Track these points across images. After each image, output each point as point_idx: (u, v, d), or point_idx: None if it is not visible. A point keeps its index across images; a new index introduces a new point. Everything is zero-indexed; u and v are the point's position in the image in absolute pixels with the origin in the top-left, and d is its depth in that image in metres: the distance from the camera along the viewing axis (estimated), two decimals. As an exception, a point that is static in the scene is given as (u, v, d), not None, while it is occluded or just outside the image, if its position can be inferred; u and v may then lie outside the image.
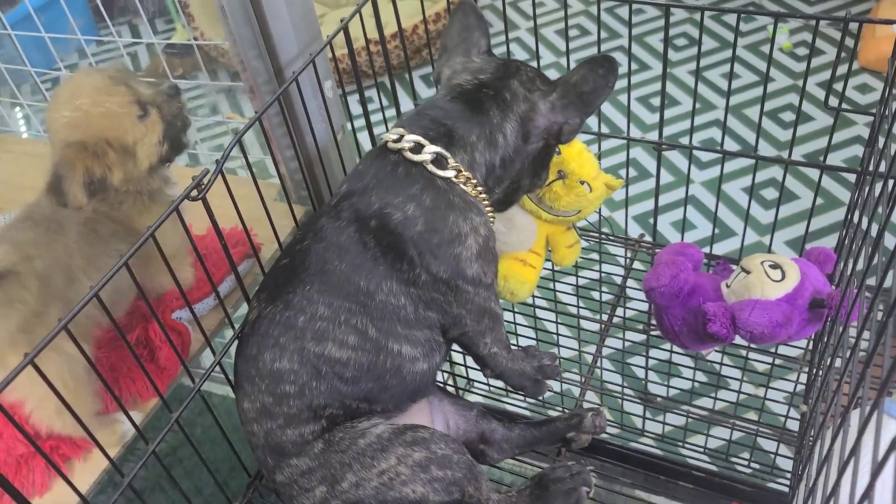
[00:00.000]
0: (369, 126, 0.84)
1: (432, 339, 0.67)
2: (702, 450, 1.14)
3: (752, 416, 1.25)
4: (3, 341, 0.62)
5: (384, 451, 0.61)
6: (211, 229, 0.78)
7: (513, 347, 0.74)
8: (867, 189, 0.67)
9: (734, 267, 0.81)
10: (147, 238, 0.57)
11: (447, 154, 0.63)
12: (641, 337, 1.32)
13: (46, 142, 1.19)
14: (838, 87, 1.61)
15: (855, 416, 0.67)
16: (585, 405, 0.81)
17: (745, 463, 1.09)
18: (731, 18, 2.31)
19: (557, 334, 1.09)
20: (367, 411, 0.65)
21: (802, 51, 2.18)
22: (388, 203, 0.62)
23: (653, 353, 1.35)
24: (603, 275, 1.04)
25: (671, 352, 0.98)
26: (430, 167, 0.63)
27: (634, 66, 2.22)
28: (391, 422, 0.65)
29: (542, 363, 0.76)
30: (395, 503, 0.61)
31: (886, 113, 0.65)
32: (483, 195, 0.66)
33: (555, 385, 1.11)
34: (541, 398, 1.05)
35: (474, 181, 0.65)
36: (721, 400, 1.22)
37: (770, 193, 1.81)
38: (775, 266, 0.75)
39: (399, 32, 0.76)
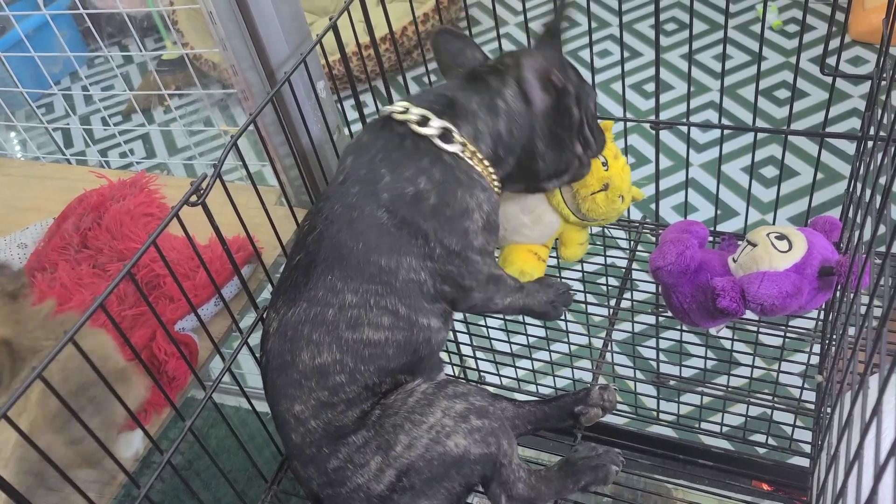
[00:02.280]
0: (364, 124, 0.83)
1: (447, 309, 0.68)
2: (718, 430, 1.13)
3: (768, 393, 1.24)
4: None
5: (430, 405, 0.61)
6: (210, 241, 0.79)
7: (526, 284, 0.74)
8: (869, 154, 0.66)
9: (740, 242, 0.80)
10: (149, 245, 0.56)
11: (453, 128, 0.64)
12: (650, 321, 1.31)
13: (43, 163, 1.19)
14: (831, 62, 1.61)
15: (873, 382, 0.66)
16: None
17: (763, 441, 1.08)
18: (719, 0, 2.31)
19: (566, 320, 1.08)
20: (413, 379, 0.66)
21: (792, 27, 2.17)
22: (399, 176, 0.62)
23: (662, 336, 1.35)
24: (609, 260, 1.03)
25: (681, 330, 0.98)
26: (438, 141, 0.63)
27: (626, 54, 2.22)
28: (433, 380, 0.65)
29: (557, 294, 0.76)
30: (440, 460, 0.60)
31: (885, 76, 0.64)
32: (490, 169, 0.67)
33: (566, 373, 1.11)
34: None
35: (480, 155, 0.66)
36: (735, 376, 1.22)
37: (770, 171, 1.80)
38: (781, 237, 0.74)
39: (390, 34, 0.75)
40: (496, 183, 0.68)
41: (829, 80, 0.71)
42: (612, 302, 0.89)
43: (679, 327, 0.92)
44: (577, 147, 0.72)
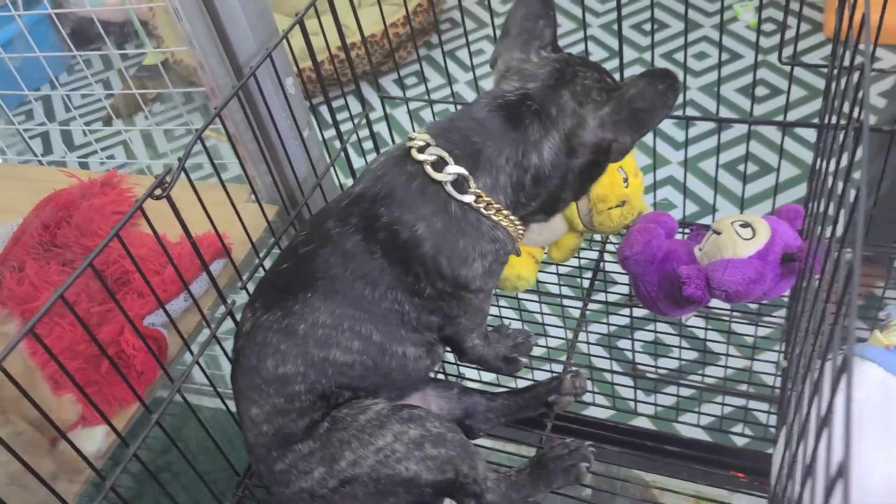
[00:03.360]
0: (338, 130, 0.84)
1: (432, 339, 0.67)
2: (695, 424, 1.14)
3: (744, 387, 1.25)
4: None
5: (382, 427, 0.61)
6: (181, 237, 0.79)
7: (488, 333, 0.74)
8: (827, 142, 0.67)
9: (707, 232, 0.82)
10: (111, 238, 0.56)
11: (469, 176, 0.60)
12: (627, 320, 1.32)
13: (15, 164, 1.19)
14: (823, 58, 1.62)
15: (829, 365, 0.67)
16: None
17: (740, 431, 1.09)
18: (698, 1, 2.34)
19: (541, 313, 1.09)
20: (375, 396, 0.65)
21: (769, 26, 2.20)
22: (398, 218, 0.60)
23: (640, 334, 1.36)
24: (583, 261, 1.04)
25: (654, 320, 0.99)
26: (449, 188, 0.60)
27: (605, 54, 2.24)
28: (391, 401, 0.65)
29: (515, 342, 0.76)
30: (387, 480, 0.61)
31: (836, 64, 0.65)
32: (509, 217, 0.63)
33: (551, 366, 1.11)
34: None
35: (497, 205, 0.61)
36: (715, 365, 1.23)
37: (748, 167, 1.82)
38: (745, 225, 0.75)
39: (362, 38, 0.76)
40: (517, 225, 0.64)
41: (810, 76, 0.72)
42: (585, 294, 0.90)
43: (653, 319, 0.93)
44: (590, 185, 0.68)
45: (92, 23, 2.73)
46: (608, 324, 1.10)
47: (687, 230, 0.91)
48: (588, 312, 1.17)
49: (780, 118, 1.87)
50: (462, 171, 0.59)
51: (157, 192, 0.60)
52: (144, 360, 0.69)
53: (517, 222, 0.63)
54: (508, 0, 2.56)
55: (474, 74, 0.88)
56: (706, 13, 2.31)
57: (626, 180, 0.80)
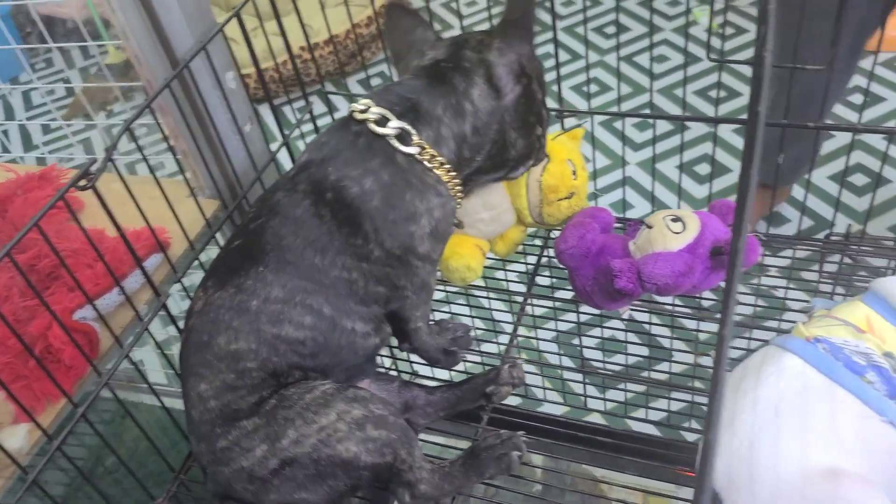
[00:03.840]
0: (281, 130, 0.84)
1: (378, 315, 0.67)
2: (644, 419, 1.15)
3: (699, 384, 1.27)
4: None
5: (326, 405, 0.61)
6: (117, 233, 0.78)
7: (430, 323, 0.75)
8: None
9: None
10: (30, 228, 0.56)
11: (412, 129, 0.63)
12: (580, 317, 1.33)
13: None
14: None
15: (757, 357, 0.69)
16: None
17: (688, 428, 1.10)
18: (658, 4, 2.37)
19: (490, 309, 1.10)
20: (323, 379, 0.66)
21: (728, 30, 2.24)
22: (345, 175, 0.62)
23: (593, 331, 1.38)
24: (531, 256, 1.05)
25: (602, 316, 1.00)
26: (394, 142, 0.63)
27: (567, 57, 2.26)
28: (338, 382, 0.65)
29: (455, 335, 0.77)
30: (328, 461, 0.61)
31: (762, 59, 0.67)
32: (452, 173, 0.66)
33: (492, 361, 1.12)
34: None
35: (440, 158, 0.64)
36: (668, 360, 1.24)
37: (703, 168, 1.85)
38: (676, 219, 0.77)
39: (307, 42, 0.76)
40: (458, 188, 0.67)
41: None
42: (525, 288, 0.91)
43: (603, 316, 0.94)
44: (538, 128, 0.71)
45: (53, 23, 2.70)
46: (556, 320, 1.11)
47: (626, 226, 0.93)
48: (543, 310, 1.19)
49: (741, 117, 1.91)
50: (404, 125, 0.63)
51: (83, 182, 0.60)
52: (73, 354, 0.69)
53: (458, 184, 0.66)
54: (473, 3, 2.58)
55: None
56: (667, 17, 2.34)
57: (574, 172, 0.81)
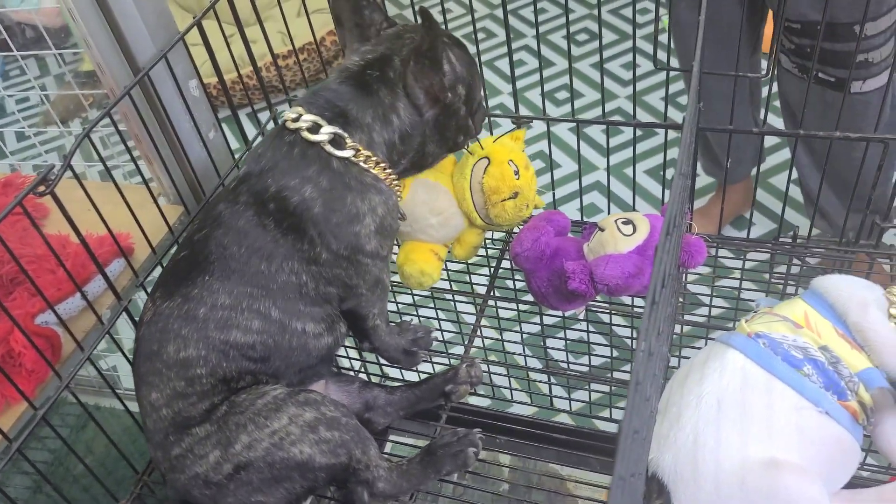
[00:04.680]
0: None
1: (332, 314, 0.69)
2: (609, 419, 1.18)
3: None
4: None
5: (278, 410, 0.62)
6: (84, 236, 0.79)
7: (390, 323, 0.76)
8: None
9: (599, 230, 0.85)
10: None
11: (344, 134, 0.65)
12: (549, 319, 1.36)
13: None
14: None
15: (703, 353, 0.71)
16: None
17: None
18: (628, 12, 2.41)
19: (456, 311, 1.12)
20: (275, 383, 0.67)
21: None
22: (285, 186, 0.63)
23: (561, 333, 1.40)
24: (491, 252, 1.07)
25: (561, 317, 1.02)
26: (328, 147, 0.64)
27: (536, 64, 2.29)
28: (290, 387, 0.66)
29: (416, 336, 0.79)
30: (282, 464, 0.62)
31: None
32: (388, 171, 0.68)
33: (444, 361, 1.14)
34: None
35: (375, 158, 0.66)
36: (632, 360, 1.27)
37: (671, 173, 1.88)
38: (627, 222, 0.79)
39: (271, 54, 0.78)
40: (395, 183, 0.69)
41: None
42: (484, 291, 0.93)
43: (554, 314, 0.96)
44: (459, 137, 0.73)
45: (24, 29, 2.69)
46: (522, 322, 1.13)
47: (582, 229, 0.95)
48: (511, 313, 1.20)
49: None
50: (337, 129, 0.64)
51: (41, 188, 0.62)
52: (35, 358, 0.69)
53: (395, 180, 0.68)
54: (448, 10, 2.60)
55: None
56: (638, 24, 2.38)
57: (517, 173, 0.83)
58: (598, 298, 0.86)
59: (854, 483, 0.66)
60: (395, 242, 0.89)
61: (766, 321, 0.69)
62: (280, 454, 0.62)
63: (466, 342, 0.86)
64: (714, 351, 0.69)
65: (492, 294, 0.92)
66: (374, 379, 1.28)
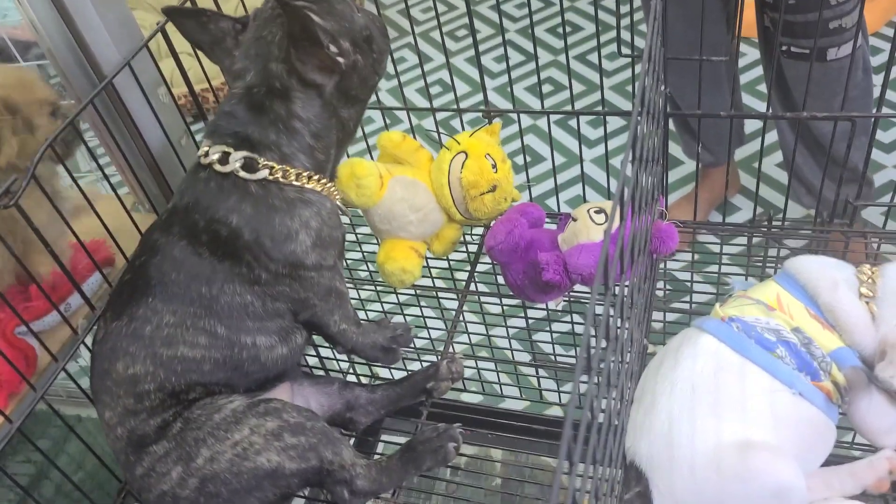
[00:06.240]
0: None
1: (286, 326, 0.68)
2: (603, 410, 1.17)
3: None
4: None
5: (238, 423, 0.62)
6: (74, 247, 0.79)
7: (363, 322, 0.76)
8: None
9: (574, 220, 0.85)
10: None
11: (255, 156, 0.64)
12: (541, 313, 1.35)
13: None
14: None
15: (676, 339, 0.71)
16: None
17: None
18: (609, 2, 2.40)
19: (440, 308, 1.11)
20: (230, 392, 0.67)
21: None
22: (211, 219, 0.64)
23: (556, 326, 1.40)
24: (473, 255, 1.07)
25: (555, 311, 1.02)
26: (242, 174, 0.64)
27: (522, 58, 2.29)
28: (248, 398, 0.66)
29: (395, 333, 0.79)
30: (250, 474, 0.62)
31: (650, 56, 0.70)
32: (314, 177, 0.67)
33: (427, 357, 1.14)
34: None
35: (294, 170, 0.65)
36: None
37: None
38: (599, 211, 0.79)
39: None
40: (328, 185, 0.68)
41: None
42: (462, 286, 0.93)
43: (540, 308, 0.97)
44: (372, 80, 0.71)
45: (5, 42, 2.68)
46: (509, 316, 1.13)
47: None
48: (498, 308, 1.21)
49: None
50: (246, 154, 0.64)
51: (4, 200, 0.61)
52: (8, 370, 0.69)
53: (322, 179, 0.67)
54: (429, 9, 2.60)
55: (399, 80, 0.92)
56: (622, 15, 2.38)
57: (494, 166, 0.83)
58: (583, 289, 0.86)
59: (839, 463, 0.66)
60: (375, 241, 0.89)
61: (739, 304, 0.69)
62: (246, 464, 0.62)
63: (448, 337, 0.86)
64: (688, 336, 0.69)
65: (473, 288, 0.92)
66: (364, 379, 1.28)
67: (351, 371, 1.21)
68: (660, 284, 1.04)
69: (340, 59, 0.65)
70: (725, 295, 0.75)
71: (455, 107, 0.94)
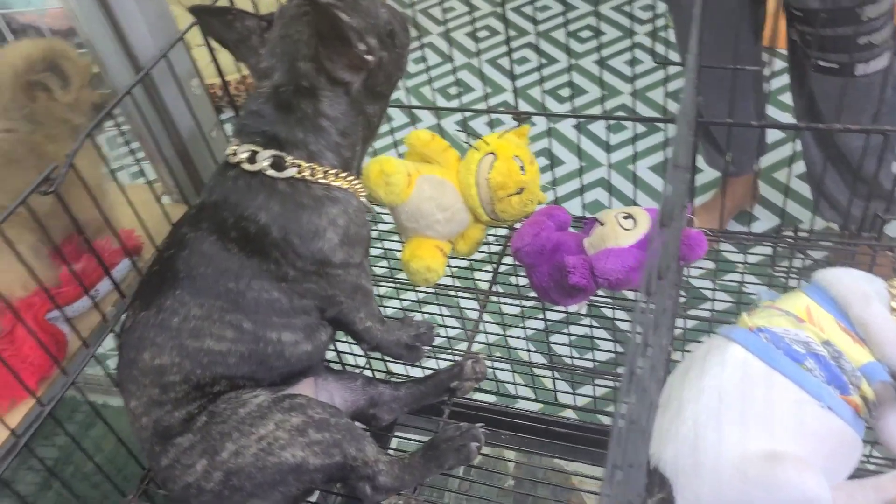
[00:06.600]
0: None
1: (311, 323, 0.69)
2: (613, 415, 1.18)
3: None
4: None
5: (263, 418, 0.63)
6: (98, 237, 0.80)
7: (388, 319, 0.77)
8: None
9: (600, 224, 0.85)
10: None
11: (282, 154, 0.65)
12: (554, 315, 1.36)
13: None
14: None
15: (704, 347, 0.71)
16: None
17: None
18: (629, 8, 2.40)
19: (459, 308, 1.12)
20: (254, 386, 0.67)
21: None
22: (240, 216, 0.64)
23: (565, 328, 1.40)
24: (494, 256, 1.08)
25: (566, 312, 1.02)
26: (270, 172, 0.65)
27: (542, 61, 2.29)
28: (273, 393, 0.67)
29: (418, 331, 0.79)
30: (274, 468, 0.62)
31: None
32: (341, 175, 0.67)
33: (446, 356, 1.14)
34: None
35: (323, 168, 0.66)
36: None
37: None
38: (628, 216, 0.79)
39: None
40: (355, 184, 0.69)
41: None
42: (486, 287, 0.93)
43: (559, 310, 0.96)
44: (395, 76, 0.71)
45: (36, 30, 2.70)
46: (527, 318, 1.13)
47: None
48: (516, 309, 1.21)
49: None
50: (274, 152, 0.65)
51: (44, 188, 0.62)
52: (38, 354, 0.70)
53: (349, 177, 0.68)
54: (451, 9, 2.60)
55: (430, 78, 0.92)
56: (640, 21, 2.37)
57: (522, 168, 0.83)
58: (601, 293, 0.87)
59: (858, 476, 0.66)
60: (400, 239, 0.89)
61: (767, 315, 0.69)
62: (271, 459, 0.62)
63: (469, 338, 0.87)
64: (715, 345, 0.69)
65: (494, 290, 0.93)
66: (379, 375, 1.29)
67: (367, 367, 1.22)
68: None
69: (369, 57, 0.66)
70: (749, 305, 0.75)
71: (483, 107, 0.94)
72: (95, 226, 0.72)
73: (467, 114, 0.95)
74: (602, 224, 0.80)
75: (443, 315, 1.18)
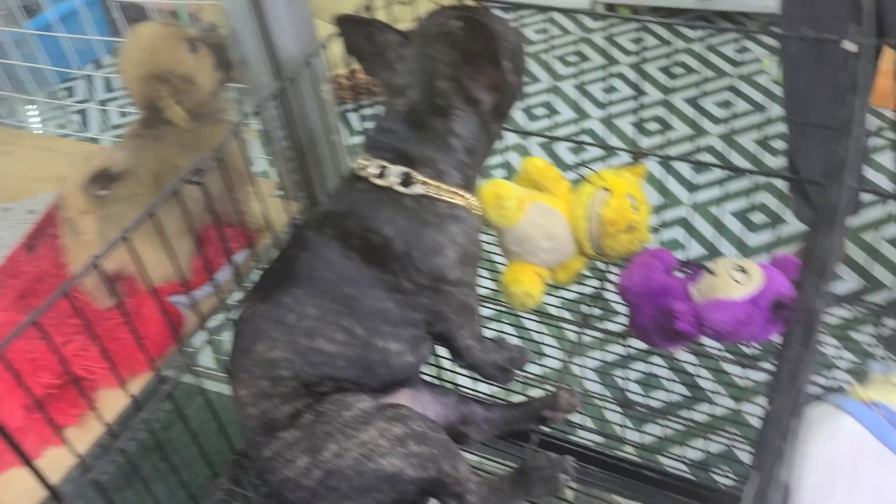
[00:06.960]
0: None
1: (417, 336, 0.70)
2: (678, 458, 1.16)
3: (735, 429, 1.27)
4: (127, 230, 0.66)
5: (366, 423, 0.64)
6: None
7: (485, 339, 0.77)
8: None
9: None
10: (143, 219, 0.61)
11: (411, 170, 0.67)
12: (623, 350, 1.35)
13: (57, 138, 1.24)
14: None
15: (813, 410, 0.70)
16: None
17: (723, 473, 1.11)
18: (726, 49, 2.38)
19: (541, 333, 1.12)
20: (357, 390, 0.69)
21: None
22: (366, 227, 0.66)
23: (636, 365, 1.39)
24: (587, 288, 1.08)
25: (648, 351, 1.01)
26: (399, 188, 0.66)
27: (633, 92, 2.28)
28: (375, 399, 0.68)
29: (511, 355, 0.79)
30: (372, 474, 0.63)
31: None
32: (463, 195, 0.69)
33: (542, 385, 1.15)
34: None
35: (447, 187, 0.68)
36: (709, 402, 1.25)
37: (758, 217, 1.85)
38: (740, 269, 0.79)
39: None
40: (474, 203, 0.70)
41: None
42: (573, 317, 0.93)
43: (648, 352, 0.96)
44: (513, 100, 0.72)
45: (140, 9, 2.81)
46: (601, 350, 1.13)
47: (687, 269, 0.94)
48: (587, 339, 1.21)
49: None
50: (403, 169, 0.66)
51: (195, 178, 0.65)
52: (157, 332, 0.73)
53: (469, 197, 0.69)
54: (542, 31, 2.61)
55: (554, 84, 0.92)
56: (734, 62, 2.35)
57: (635, 207, 0.84)
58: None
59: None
60: (502, 262, 0.90)
61: (883, 390, 0.68)
62: (370, 465, 0.63)
63: (561, 367, 0.87)
64: (825, 413, 0.68)
65: (589, 324, 0.93)
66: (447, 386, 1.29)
67: (439, 379, 1.23)
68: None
69: (511, 78, 0.67)
70: (829, 367, 0.73)
71: (605, 144, 0.95)
72: (225, 217, 0.74)
73: (573, 144, 0.96)
74: (712, 273, 0.79)
75: (518, 336, 1.19)
